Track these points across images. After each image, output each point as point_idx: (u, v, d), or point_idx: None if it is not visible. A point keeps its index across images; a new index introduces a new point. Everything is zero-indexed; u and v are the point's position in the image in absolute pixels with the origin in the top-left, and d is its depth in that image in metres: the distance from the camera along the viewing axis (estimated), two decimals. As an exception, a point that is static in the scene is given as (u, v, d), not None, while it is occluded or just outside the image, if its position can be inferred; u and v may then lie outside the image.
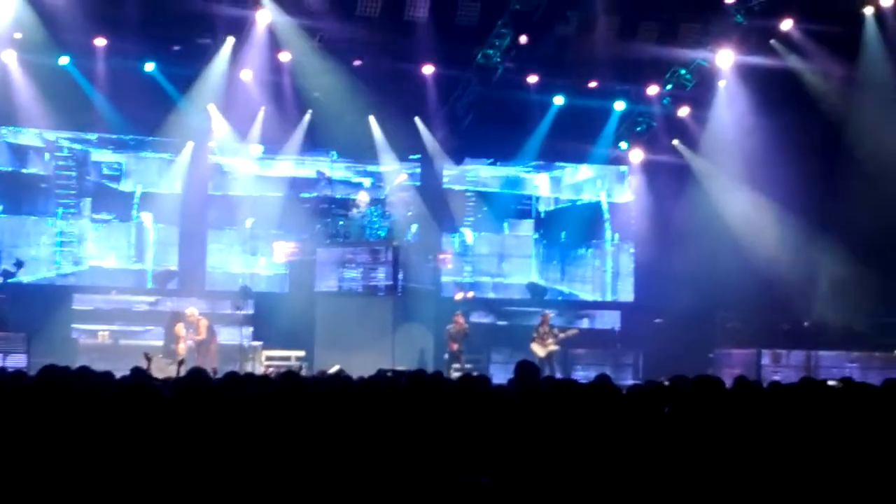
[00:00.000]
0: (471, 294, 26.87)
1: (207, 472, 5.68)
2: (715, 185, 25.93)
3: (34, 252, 25.22)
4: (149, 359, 16.34)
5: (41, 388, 7.92)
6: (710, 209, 25.55)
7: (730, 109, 25.63)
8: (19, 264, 24.28)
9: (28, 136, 25.19)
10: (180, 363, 17.73)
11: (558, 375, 21.48)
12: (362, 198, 25.25)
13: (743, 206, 25.30)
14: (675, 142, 27.12)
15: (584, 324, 27.21)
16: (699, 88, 25.97)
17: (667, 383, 11.09)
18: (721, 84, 25.69)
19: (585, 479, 5.85)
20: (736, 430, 6.98)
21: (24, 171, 25.21)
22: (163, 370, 17.73)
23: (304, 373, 19.88)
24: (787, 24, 24.01)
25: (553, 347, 24.06)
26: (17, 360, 20.36)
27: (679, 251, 25.89)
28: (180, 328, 22.68)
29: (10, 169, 24.98)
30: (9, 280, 24.00)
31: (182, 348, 21.98)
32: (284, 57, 24.35)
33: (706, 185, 26.17)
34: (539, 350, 23.87)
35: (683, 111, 26.58)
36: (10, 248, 24.89)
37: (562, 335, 24.37)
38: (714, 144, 26.14)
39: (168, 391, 7.68)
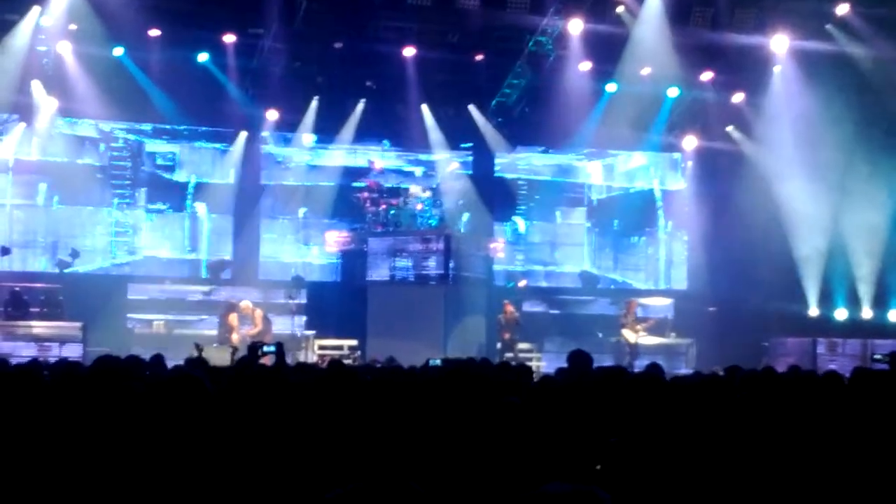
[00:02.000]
0: (522, 282, 26.80)
1: (251, 458, 5.70)
2: (769, 172, 25.62)
3: (90, 242, 25.48)
4: (199, 349, 16.42)
5: (96, 378, 7.98)
6: (765, 196, 25.25)
7: (785, 95, 25.30)
8: (75, 254, 24.56)
9: (83, 127, 25.41)
10: (234, 351, 17.82)
11: (637, 364, 21.29)
12: (414, 190, 25.21)
13: (798, 193, 24.98)
14: (729, 128, 26.84)
15: (638, 312, 27.01)
16: (754, 74, 25.68)
17: (721, 374, 11.01)
18: (776, 69, 25.37)
19: (631, 471, 5.80)
20: (790, 420, 6.90)
21: (79, 161, 25.42)
22: (217, 358, 17.85)
23: (354, 362, 19.99)
24: (843, 9, 23.66)
25: (643, 334, 23.91)
26: (73, 350, 20.57)
27: (733, 239, 25.67)
28: (234, 318, 22.78)
29: (65, 160, 25.21)
30: (65, 270, 24.27)
31: (236, 338, 22.09)
32: (337, 46, 24.36)
33: (760, 171, 25.86)
34: (631, 336, 23.71)
35: (738, 97, 26.32)
36: (67, 239, 25.17)
37: (645, 324, 24.15)
38: (768, 131, 25.83)
39: (220, 379, 7.72)
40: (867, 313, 24.84)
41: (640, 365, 20.75)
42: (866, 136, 24.22)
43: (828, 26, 24.07)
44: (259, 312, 22.87)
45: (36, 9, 22.51)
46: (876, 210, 24.38)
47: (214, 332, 23.16)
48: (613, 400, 6.91)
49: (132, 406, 6.43)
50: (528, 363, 19.54)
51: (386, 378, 8.68)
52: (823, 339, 23.59)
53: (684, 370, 21.83)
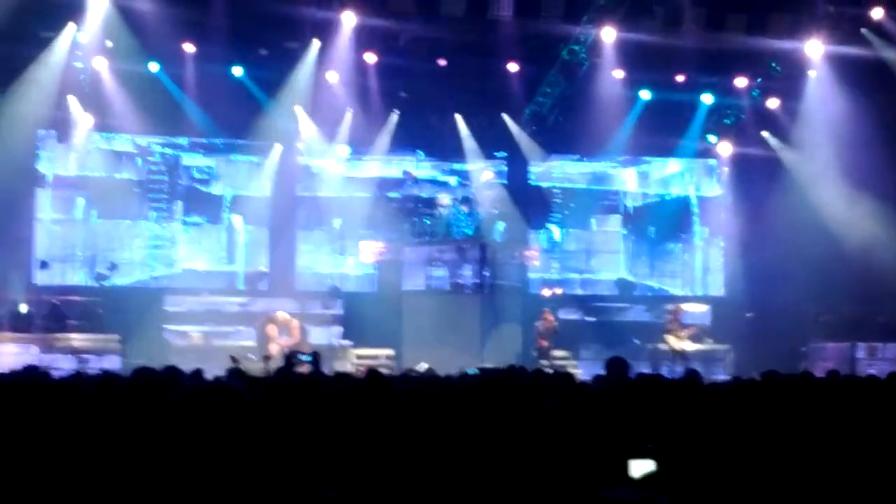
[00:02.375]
0: (559, 291, 26.75)
1: (288, 467, 5.73)
2: (805, 177, 25.48)
3: (128, 255, 25.68)
4: (235, 361, 16.52)
5: (134, 391, 8.05)
6: (801, 201, 25.10)
7: (820, 100, 25.16)
8: (113, 267, 24.74)
9: (121, 142, 25.64)
10: (266, 359, 17.99)
11: (678, 370, 21.15)
12: (443, 199, 25.21)
13: (835, 198, 24.83)
14: (765, 134, 26.71)
15: (684, 319, 26.89)
16: (789, 79, 25.56)
17: (758, 378, 10.96)
18: (811, 74, 25.24)
19: (670, 478, 5.79)
20: (828, 424, 6.87)
21: (117, 176, 25.64)
22: (255, 369, 17.95)
23: (392, 372, 20.01)
24: (877, 13, 23.52)
25: (686, 341, 23.72)
26: (111, 362, 20.70)
27: (769, 244, 25.54)
28: (272, 329, 22.88)
29: (103, 174, 25.42)
30: (103, 283, 24.46)
31: (274, 349, 22.17)
32: (370, 58, 24.48)
33: (796, 177, 25.73)
34: (675, 343, 23.54)
35: (773, 103, 26.21)
36: (105, 252, 25.38)
37: (689, 331, 23.89)
38: (805, 136, 25.69)
39: (258, 389, 7.77)
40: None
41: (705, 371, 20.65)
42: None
43: (862, 30, 23.94)
44: (296, 323, 22.98)
45: (72, 26, 22.75)
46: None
47: (252, 344, 23.28)
48: (652, 406, 6.90)
49: (171, 417, 6.49)
50: (564, 370, 19.49)
51: (422, 387, 8.70)
52: (863, 344, 23.43)
53: (722, 376, 21.71)
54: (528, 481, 5.59)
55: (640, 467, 5.73)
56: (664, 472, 5.63)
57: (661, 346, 23.91)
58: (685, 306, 25.16)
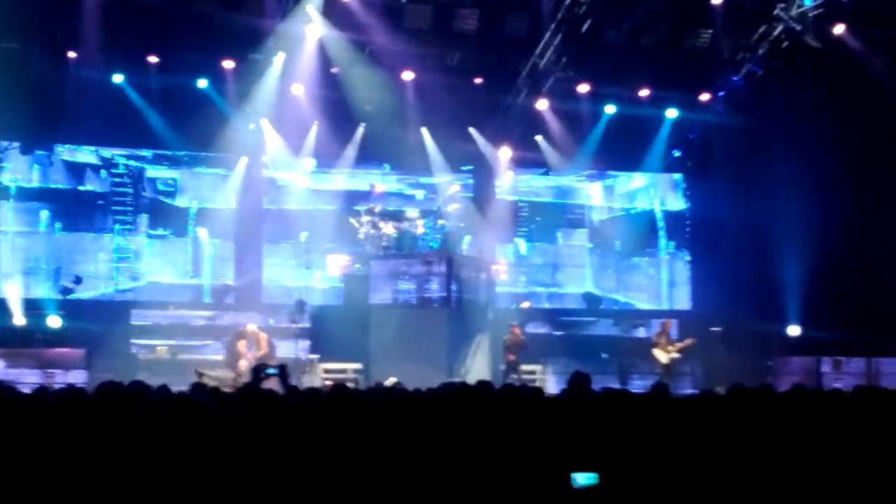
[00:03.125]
0: (525, 304, 26.78)
1: (256, 481, 5.71)
2: (770, 191, 25.65)
3: (92, 268, 25.52)
4: (200, 375, 16.46)
5: (98, 406, 7.99)
6: (766, 214, 25.28)
7: (777, 115, 25.32)
8: (78, 280, 24.55)
9: (84, 154, 25.53)
10: (236, 377, 17.90)
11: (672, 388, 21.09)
12: (411, 213, 25.13)
13: (798, 210, 25.00)
14: (729, 148, 26.87)
15: (641, 333, 27.00)
16: (754, 94, 25.74)
17: (723, 392, 11.01)
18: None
19: (638, 491, 5.82)
20: (791, 439, 6.92)
21: (80, 188, 25.51)
22: (221, 381, 17.89)
23: (359, 386, 19.97)
24: (839, 29, 23.73)
25: (675, 355, 23.59)
26: (77, 376, 20.58)
27: (735, 258, 25.69)
28: (242, 345, 22.75)
29: (67, 187, 25.31)
30: (68, 296, 24.28)
31: (243, 364, 22.00)
32: (335, 71, 24.49)
33: (761, 189, 25.90)
34: (662, 357, 23.47)
35: (737, 118, 26.37)
36: (69, 265, 25.20)
37: (680, 344, 23.79)
38: (769, 149, 25.86)
39: (224, 403, 7.74)
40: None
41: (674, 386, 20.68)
42: (868, 152, 24.30)
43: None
44: (264, 336, 22.87)
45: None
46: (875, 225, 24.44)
47: (220, 357, 23.17)
48: (615, 420, 6.93)
49: (136, 432, 6.45)
50: (532, 384, 19.52)
51: (389, 401, 8.69)
52: (828, 358, 23.58)
53: (689, 390, 21.80)
54: (492, 494, 5.60)
55: (583, 479, 5.76)
56: (621, 485, 5.65)
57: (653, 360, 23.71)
58: (671, 322, 24.94)
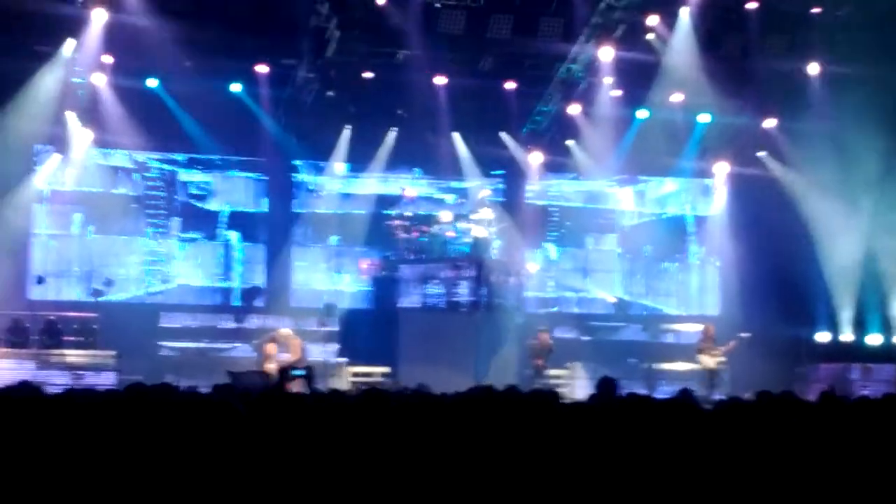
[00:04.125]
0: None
1: (283, 483, 5.75)
2: (801, 197, 25.53)
3: (124, 271, 25.68)
4: (232, 375, 16.52)
5: (128, 406, 8.06)
6: (797, 221, 25.16)
7: (818, 120, 25.18)
8: (109, 283, 24.72)
9: (118, 158, 25.69)
10: (267, 376, 17.97)
11: (717, 394, 20.98)
12: (444, 216, 25.08)
13: (831, 218, 24.87)
14: (762, 153, 26.76)
15: (670, 338, 26.92)
16: (786, 99, 25.63)
17: (751, 398, 10.96)
18: (810, 93, 25.24)
19: (660, 497, 5.81)
20: (820, 447, 6.88)
21: (114, 191, 25.68)
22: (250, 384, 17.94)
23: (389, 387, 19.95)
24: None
25: (722, 359, 23.18)
26: (107, 378, 20.73)
27: (766, 264, 25.56)
28: (272, 348, 22.77)
29: (100, 190, 25.47)
30: (99, 299, 24.43)
31: (271, 367, 22.03)
32: (368, 75, 24.56)
33: (793, 196, 25.77)
34: (709, 362, 23.12)
35: (770, 122, 26.26)
36: (101, 268, 25.38)
37: (725, 347, 23.52)
38: (801, 155, 25.74)
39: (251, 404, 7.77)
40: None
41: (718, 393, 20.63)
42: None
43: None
44: (297, 341, 22.88)
45: (71, 41, 22.77)
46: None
47: (250, 359, 23.23)
48: (640, 425, 6.92)
49: (163, 433, 6.50)
50: (560, 389, 19.46)
51: (415, 404, 8.72)
52: (857, 365, 23.45)
53: (717, 396, 21.69)
54: (514, 497, 5.61)
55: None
56: (643, 491, 5.65)
57: (696, 365, 23.43)
58: (673, 326, 24.80)
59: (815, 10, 23.93)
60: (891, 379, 22.68)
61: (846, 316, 24.89)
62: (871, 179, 24.19)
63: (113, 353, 21.89)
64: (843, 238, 24.77)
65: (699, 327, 26.22)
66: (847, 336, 24.88)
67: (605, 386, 8.66)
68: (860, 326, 24.85)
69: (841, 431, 7.53)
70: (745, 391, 16.36)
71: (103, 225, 25.56)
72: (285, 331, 23.07)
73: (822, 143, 25.04)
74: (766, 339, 24.28)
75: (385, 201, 26.74)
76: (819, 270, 24.75)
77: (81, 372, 21.12)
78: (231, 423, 5.96)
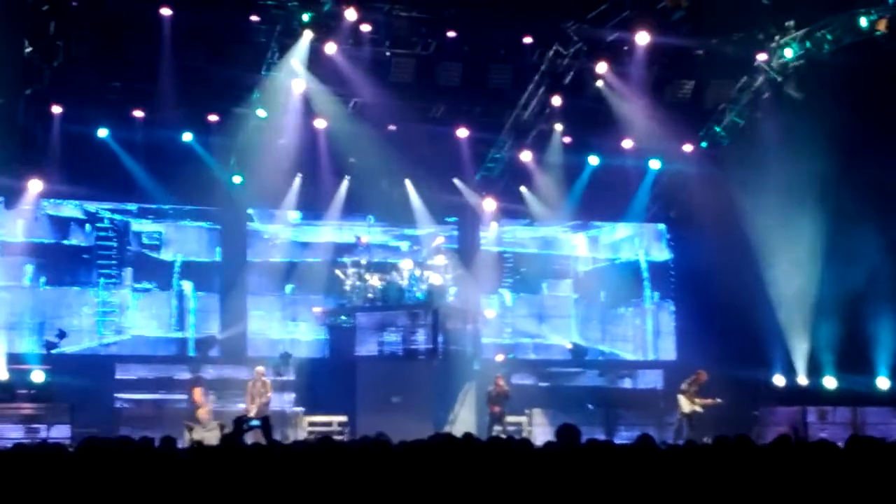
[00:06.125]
0: (501, 357, 26.60)
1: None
2: (753, 241, 25.68)
3: (77, 322, 25.39)
4: (190, 428, 16.38)
5: (82, 461, 7.93)
6: (750, 265, 25.30)
7: (759, 164, 25.39)
8: (62, 335, 24.41)
9: (69, 208, 25.50)
10: (221, 428, 17.81)
11: (682, 439, 20.99)
12: (405, 265, 24.97)
13: (782, 261, 25.04)
14: (712, 198, 26.91)
15: (627, 383, 26.97)
16: (736, 145, 25.90)
17: (709, 443, 10.98)
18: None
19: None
20: (775, 492, 6.89)
21: (65, 242, 25.47)
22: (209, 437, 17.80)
23: (344, 438, 19.88)
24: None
25: (698, 409, 23.07)
26: (60, 431, 20.46)
27: (720, 308, 25.68)
28: (197, 393, 22.59)
29: (52, 241, 25.27)
30: (52, 351, 24.13)
31: (202, 412, 21.77)
32: (320, 124, 24.61)
33: (745, 240, 25.91)
34: (685, 406, 23.12)
35: (720, 168, 26.46)
36: (53, 319, 25.06)
37: (706, 401, 23.06)
38: (753, 200, 25.90)
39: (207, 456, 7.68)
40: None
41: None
42: (845, 202, 24.35)
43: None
44: (267, 381, 22.70)
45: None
46: (857, 276, 24.43)
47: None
48: (600, 472, 6.90)
49: (118, 487, 6.41)
50: (517, 436, 19.40)
51: (374, 454, 8.64)
52: (813, 408, 23.55)
53: (679, 441, 21.73)
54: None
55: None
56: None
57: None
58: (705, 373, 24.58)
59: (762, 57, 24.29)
60: (847, 422, 22.80)
61: (800, 358, 24.98)
62: (815, 208, 24.35)
63: (66, 405, 21.60)
64: (793, 279, 24.92)
65: (656, 372, 26.38)
66: (802, 379, 24.96)
67: (567, 434, 8.61)
68: (815, 369, 24.96)
69: (798, 475, 7.54)
70: (705, 434, 16.43)
71: (55, 276, 25.32)
72: (259, 368, 22.85)
73: (772, 188, 25.23)
74: (723, 382, 24.36)
75: (340, 249, 26.67)
76: (773, 314, 24.86)
77: (35, 425, 20.81)
78: (181, 476, 5.88)
